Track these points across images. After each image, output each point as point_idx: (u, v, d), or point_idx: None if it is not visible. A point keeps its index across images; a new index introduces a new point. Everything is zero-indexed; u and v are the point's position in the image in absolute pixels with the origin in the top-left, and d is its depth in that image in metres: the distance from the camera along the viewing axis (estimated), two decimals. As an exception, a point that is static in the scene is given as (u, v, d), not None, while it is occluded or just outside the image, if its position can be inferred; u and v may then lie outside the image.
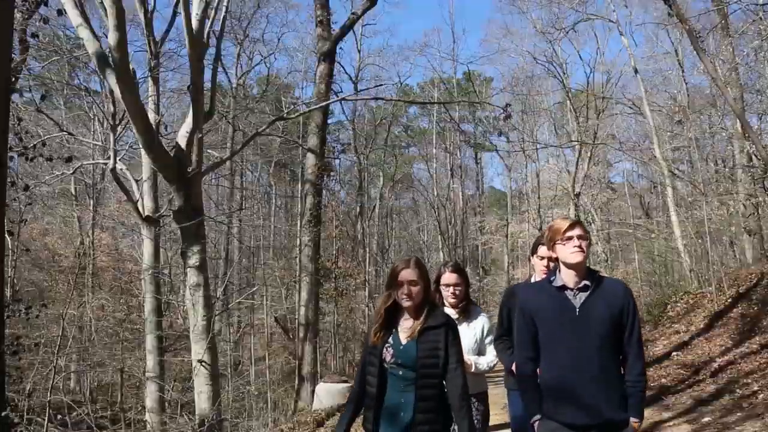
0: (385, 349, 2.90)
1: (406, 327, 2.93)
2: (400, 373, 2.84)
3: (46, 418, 5.66)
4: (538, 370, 2.80)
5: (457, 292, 3.74)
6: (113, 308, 14.86)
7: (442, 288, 3.75)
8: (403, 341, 2.89)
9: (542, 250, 3.69)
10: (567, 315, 2.71)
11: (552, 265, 3.63)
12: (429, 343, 2.83)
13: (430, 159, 31.41)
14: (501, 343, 3.80)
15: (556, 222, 2.85)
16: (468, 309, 3.80)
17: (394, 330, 2.96)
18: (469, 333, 3.74)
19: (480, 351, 3.78)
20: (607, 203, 25.04)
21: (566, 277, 2.77)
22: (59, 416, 6.24)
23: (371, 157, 27.03)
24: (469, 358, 3.57)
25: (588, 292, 2.73)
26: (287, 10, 40.32)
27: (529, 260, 4.00)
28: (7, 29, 3.74)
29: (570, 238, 2.73)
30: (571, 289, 2.75)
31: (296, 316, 14.13)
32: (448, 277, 3.75)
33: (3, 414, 3.77)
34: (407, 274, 2.91)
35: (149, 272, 9.68)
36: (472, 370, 3.59)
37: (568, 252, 2.71)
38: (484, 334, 3.80)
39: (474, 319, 3.79)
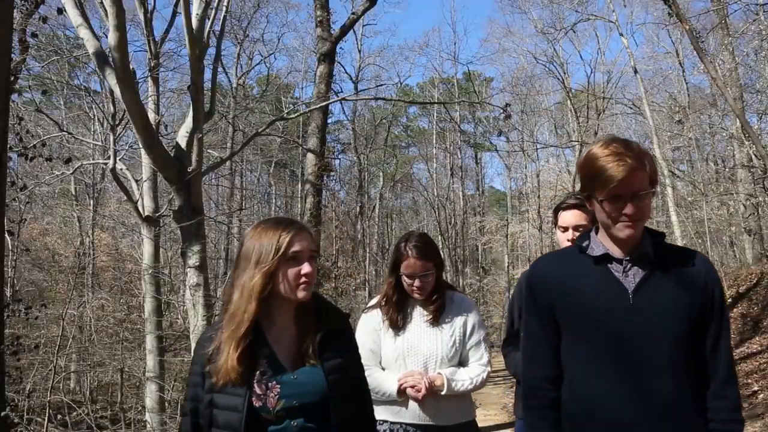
0: (262, 387, 1.58)
1: (286, 339, 1.65)
2: (294, 424, 1.58)
3: (46, 418, 5.66)
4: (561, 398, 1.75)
5: (426, 286, 2.44)
6: (113, 308, 14.84)
7: (404, 278, 2.45)
8: (292, 368, 1.62)
9: (565, 217, 2.57)
10: (613, 303, 1.58)
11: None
12: (337, 360, 1.64)
13: (430, 159, 31.40)
14: (511, 347, 2.69)
15: (602, 158, 1.55)
16: (443, 301, 2.48)
17: (267, 348, 1.62)
18: (444, 334, 2.44)
19: (462, 360, 2.47)
20: (607, 203, 25.02)
21: (610, 244, 1.64)
22: (59, 416, 6.24)
23: (371, 157, 27.07)
24: (439, 372, 2.38)
25: (648, 267, 1.60)
26: (287, 10, 40.35)
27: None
28: (7, 29, 3.75)
29: (619, 199, 1.54)
30: (619, 261, 1.62)
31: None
32: (413, 264, 2.41)
33: (3, 414, 3.77)
34: (302, 242, 1.64)
35: (149, 272, 9.67)
36: (444, 392, 2.33)
37: (614, 223, 1.58)
38: (468, 332, 2.46)
39: (454, 314, 2.48)
